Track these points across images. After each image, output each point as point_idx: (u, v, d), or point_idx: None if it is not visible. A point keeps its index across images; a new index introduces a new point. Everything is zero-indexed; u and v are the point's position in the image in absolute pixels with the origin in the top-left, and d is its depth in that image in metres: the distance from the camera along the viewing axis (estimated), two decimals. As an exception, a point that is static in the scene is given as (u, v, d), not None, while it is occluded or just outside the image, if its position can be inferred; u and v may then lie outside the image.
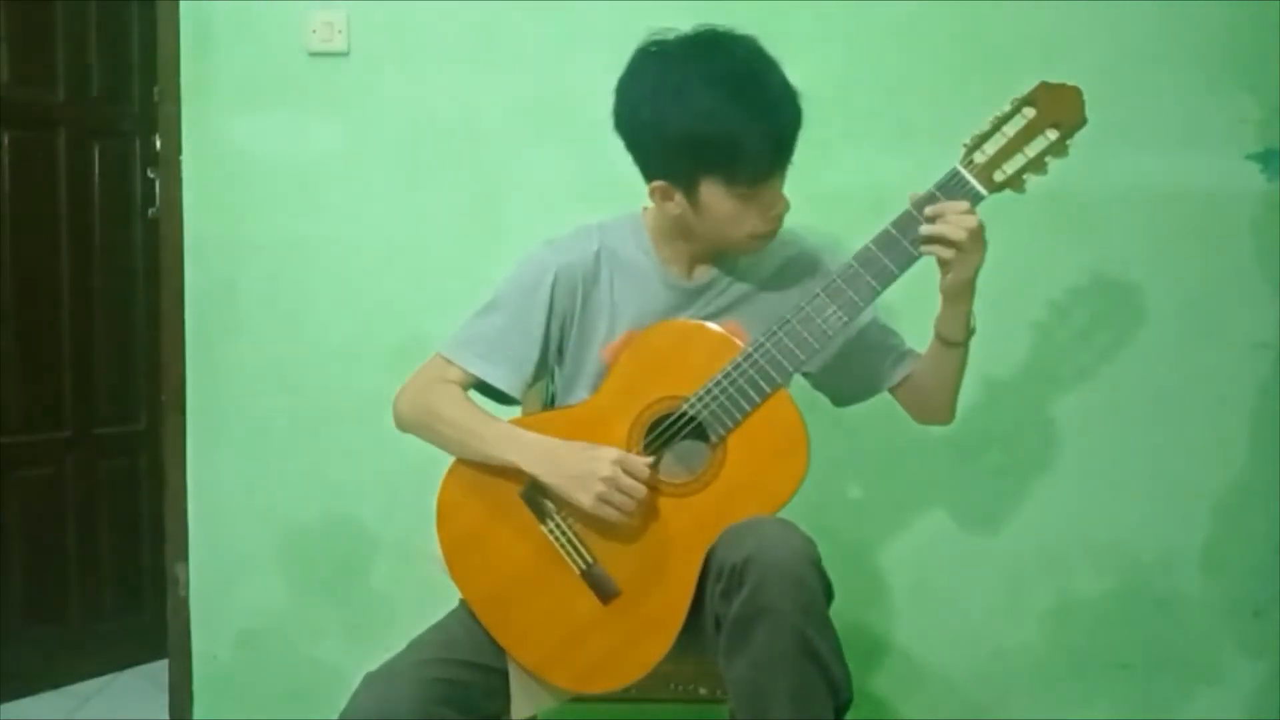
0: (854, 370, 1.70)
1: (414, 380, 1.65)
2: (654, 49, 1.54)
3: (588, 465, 1.49)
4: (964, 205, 1.47)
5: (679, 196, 1.54)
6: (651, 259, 1.64)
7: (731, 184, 1.50)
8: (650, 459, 1.51)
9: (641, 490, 1.49)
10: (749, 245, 1.58)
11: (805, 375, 1.70)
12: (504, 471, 1.55)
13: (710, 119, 1.46)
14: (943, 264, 1.49)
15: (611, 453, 1.49)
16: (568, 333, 1.64)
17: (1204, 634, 2.27)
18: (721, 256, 1.64)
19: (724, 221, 1.54)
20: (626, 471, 1.48)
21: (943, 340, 1.61)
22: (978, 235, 1.48)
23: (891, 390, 1.72)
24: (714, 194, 1.51)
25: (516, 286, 1.64)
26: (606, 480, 1.47)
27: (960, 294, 1.54)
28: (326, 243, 2.31)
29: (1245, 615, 2.27)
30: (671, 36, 1.54)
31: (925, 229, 1.48)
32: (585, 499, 1.49)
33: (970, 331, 1.60)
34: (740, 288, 1.65)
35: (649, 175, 1.56)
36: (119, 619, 2.85)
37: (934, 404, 1.71)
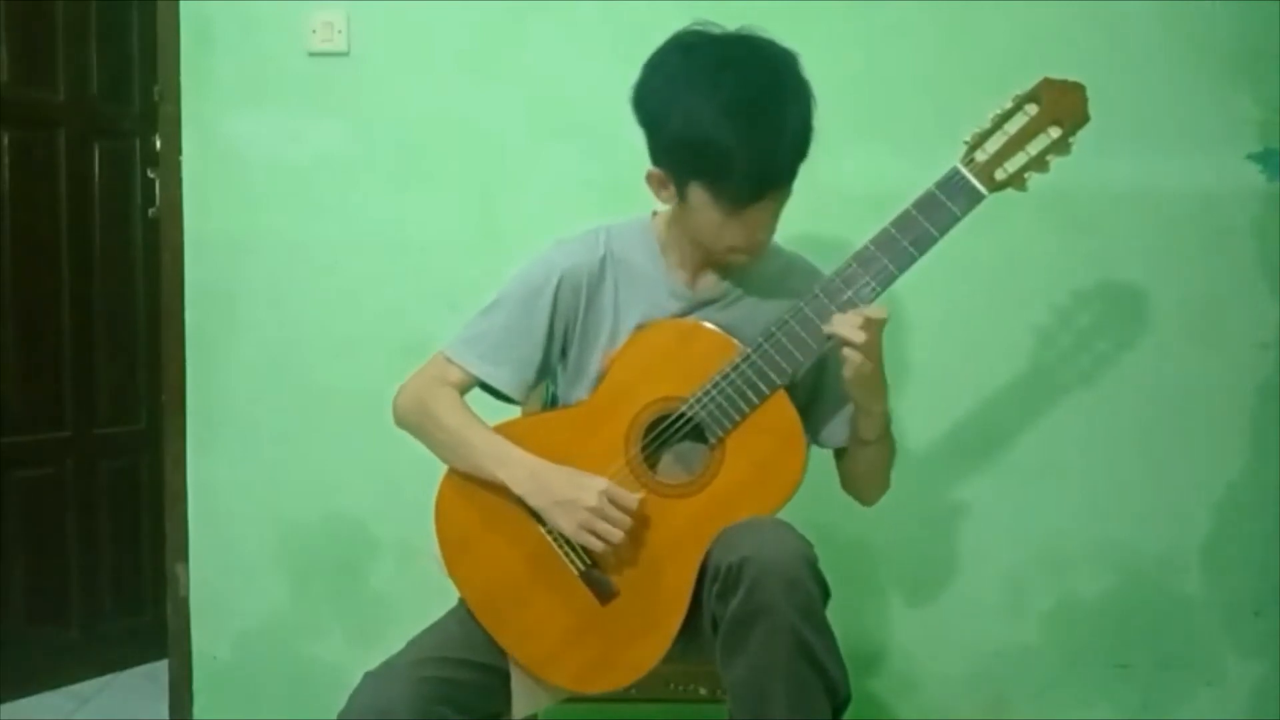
0: (809, 413, 1.63)
1: (415, 378, 1.64)
2: (687, 40, 1.50)
3: (574, 493, 1.48)
4: (868, 310, 1.46)
5: (672, 189, 1.53)
6: (658, 266, 1.62)
7: (716, 198, 1.48)
8: (639, 495, 1.50)
9: (626, 522, 1.48)
10: (727, 258, 1.56)
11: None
12: (501, 473, 1.55)
13: (705, 130, 1.43)
14: (844, 361, 1.46)
15: (599, 483, 1.48)
16: (571, 336, 1.63)
17: (1204, 634, 2.27)
18: (729, 267, 1.60)
19: (706, 228, 1.52)
20: (613, 503, 1.47)
21: (856, 438, 1.60)
22: (872, 344, 1.45)
23: (835, 453, 1.68)
24: (700, 199, 1.49)
25: (521, 287, 1.62)
26: (592, 510, 1.46)
27: (863, 392, 1.51)
28: (326, 243, 2.31)
29: (1245, 615, 2.27)
30: (712, 31, 1.50)
31: (825, 329, 1.47)
32: (568, 526, 1.48)
33: (883, 430, 1.58)
34: (747, 301, 1.61)
35: (651, 160, 1.54)
36: (119, 619, 2.85)
37: (857, 486, 1.69)
